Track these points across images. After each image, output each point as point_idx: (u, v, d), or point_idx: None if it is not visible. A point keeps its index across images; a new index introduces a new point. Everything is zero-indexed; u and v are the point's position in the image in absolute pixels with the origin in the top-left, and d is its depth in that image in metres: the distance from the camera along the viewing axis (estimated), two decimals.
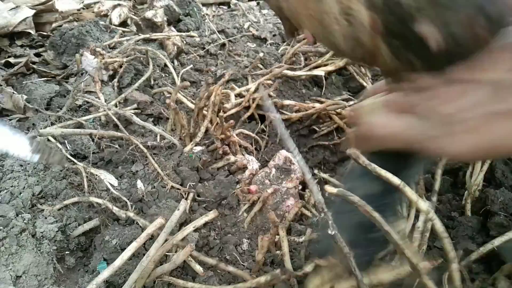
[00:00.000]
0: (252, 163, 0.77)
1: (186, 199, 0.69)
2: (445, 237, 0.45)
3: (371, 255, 0.48)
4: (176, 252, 0.56)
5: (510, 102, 0.34)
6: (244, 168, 0.76)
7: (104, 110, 0.83)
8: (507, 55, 0.34)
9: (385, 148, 0.43)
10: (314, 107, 0.93)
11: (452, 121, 0.37)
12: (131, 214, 0.62)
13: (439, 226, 0.44)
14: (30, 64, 1.03)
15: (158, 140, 0.81)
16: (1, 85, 0.93)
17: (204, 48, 1.21)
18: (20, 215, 0.58)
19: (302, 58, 1.09)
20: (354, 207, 0.43)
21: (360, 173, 0.48)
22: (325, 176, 0.85)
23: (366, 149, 0.44)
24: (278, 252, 0.60)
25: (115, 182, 0.71)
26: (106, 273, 0.49)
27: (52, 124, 0.80)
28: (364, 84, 1.01)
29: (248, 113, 0.93)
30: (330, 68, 1.03)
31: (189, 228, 0.54)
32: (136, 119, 0.80)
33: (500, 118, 0.35)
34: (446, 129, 0.37)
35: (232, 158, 0.77)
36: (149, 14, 1.22)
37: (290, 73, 1.00)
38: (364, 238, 0.47)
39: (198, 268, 0.56)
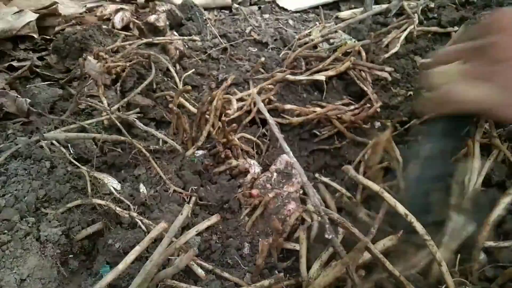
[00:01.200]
0: (254, 167, 0.77)
1: (189, 203, 0.70)
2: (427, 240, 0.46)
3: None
4: (178, 256, 0.57)
5: None
6: (246, 172, 0.77)
7: (107, 114, 0.83)
8: None
9: (458, 112, 0.49)
10: (315, 112, 0.94)
11: None
12: (134, 214, 0.63)
13: (419, 228, 0.46)
14: (34, 67, 1.04)
15: (161, 144, 0.82)
16: (4, 89, 0.94)
17: (206, 52, 1.22)
18: (24, 219, 0.59)
19: (303, 63, 1.10)
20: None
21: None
22: (326, 180, 0.86)
23: (441, 112, 0.52)
24: (281, 256, 0.61)
25: (118, 186, 0.72)
26: (109, 276, 0.50)
27: (56, 128, 0.81)
28: (365, 88, 1.02)
29: (250, 117, 0.94)
30: (331, 72, 1.03)
31: (192, 232, 0.55)
32: (139, 123, 0.80)
33: None
34: None
35: (234, 162, 0.78)
36: (151, 18, 1.23)
37: (291, 77, 1.00)
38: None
39: (200, 272, 0.56)
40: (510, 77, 0.44)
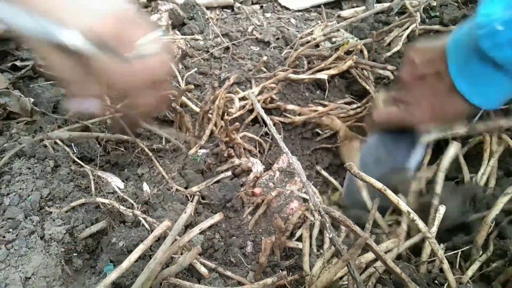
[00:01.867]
0: (257, 166, 0.78)
1: (192, 201, 0.70)
2: (428, 238, 0.46)
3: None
4: (182, 254, 0.57)
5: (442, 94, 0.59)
6: (248, 171, 0.77)
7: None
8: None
9: (388, 127, 0.71)
10: (317, 111, 0.94)
11: (416, 105, 0.63)
12: (138, 213, 0.63)
13: (421, 226, 0.46)
14: (37, 67, 1.04)
15: (164, 143, 0.82)
16: (8, 89, 0.94)
17: (208, 51, 1.22)
18: (28, 218, 0.59)
19: (305, 62, 1.10)
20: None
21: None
22: (326, 174, 0.86)
23: (377, 128, 0.74)
24: (284, 254, 0.61)
25: (121, 184, 0.72)
26: (113, 275, 0.50)
27: (59, 127, 0.81)
28: (367, 87, 1.02)
29: (252, 116, 0.94)
30: (333, 71, 1.03)
31: (195, 231, 0.55)
32: (141, 122, 0.80)
33: (439, 99, 0.60)
34: (414, 110, 0.64)
35: (236, 161, 0.78)
36: (153, 17, 1.23)
37: (293, 76, 1.00)
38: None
39: (203, 270, 0.56)
40: (412, 97, 0.63)
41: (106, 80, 0.51)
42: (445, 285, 0.50)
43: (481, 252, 0.55)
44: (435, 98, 0.60)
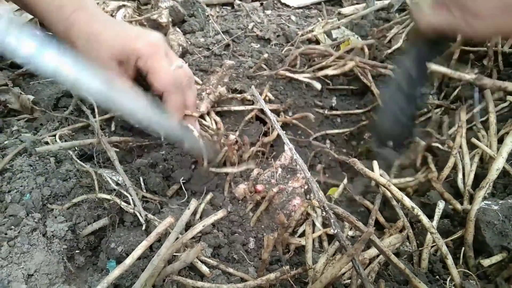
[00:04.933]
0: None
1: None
2: (433, 233, 0.46)
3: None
4: (184, 251, 0.57)
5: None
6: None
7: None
8: None
9: (429, 36, 0.62)
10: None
11: (473, 13, 0.52)
12: (140, 209, 0.62)
13: (425, 221, 0.46)
14: None
15: (162, 139, 0.82)
16: (8, 85, 0.94)
17: (208, 48, 1.22)
18: (30, 215, 0.59)
19: (305, 59, 1.10)
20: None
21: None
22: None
23: (419, 37, 0.66)
24: (286, 251, 0.61)
25: (122, 181, 0.71)
26: (116, 271, 0.50)
27: (60, 124, 0.81)
28: (368, 84, 1.02)
29: (252, 113, 0.94)
30: (334, 71, 1.02)
31: (198, 227, 0.55)
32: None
33: (508, 11, 0.49)
34: (470, 18, 0.52)
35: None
36: (154, 14, 1.23)
37: (294, 76, 1.00)
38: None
39: (205, 269, 0.56)
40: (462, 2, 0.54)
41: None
42: (448, 279, 0.50)
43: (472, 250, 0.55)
44: (504, 11, 0.50)
